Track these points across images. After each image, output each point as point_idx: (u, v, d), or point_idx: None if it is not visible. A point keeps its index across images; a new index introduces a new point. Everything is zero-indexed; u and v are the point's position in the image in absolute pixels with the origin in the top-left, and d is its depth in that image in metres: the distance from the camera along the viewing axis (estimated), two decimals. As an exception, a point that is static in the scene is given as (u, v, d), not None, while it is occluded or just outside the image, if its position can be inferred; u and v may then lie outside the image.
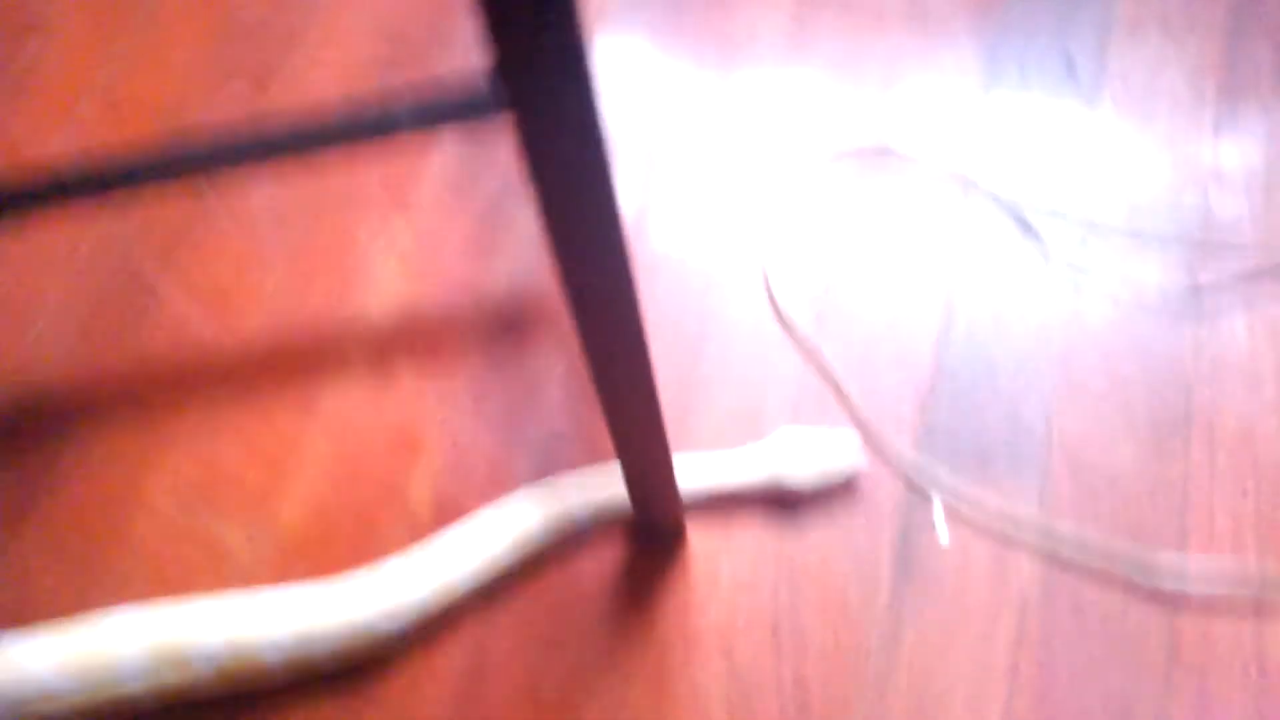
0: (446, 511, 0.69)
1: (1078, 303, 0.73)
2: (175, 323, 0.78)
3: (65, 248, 0.82)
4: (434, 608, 0.63)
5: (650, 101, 0.84)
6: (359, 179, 0.83)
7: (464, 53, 0.88)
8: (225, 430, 0.73)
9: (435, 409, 0.73)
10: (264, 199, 0.83)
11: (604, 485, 0.66)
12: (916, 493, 0.68)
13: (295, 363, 0.76)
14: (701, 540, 0.67)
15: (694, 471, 0.66)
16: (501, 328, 0.76)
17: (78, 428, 0.74)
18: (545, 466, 0.70)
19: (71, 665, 0.58)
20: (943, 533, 0.66)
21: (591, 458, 0.70)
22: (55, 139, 0.87)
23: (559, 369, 0.74)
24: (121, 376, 0.76)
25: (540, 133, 0.33)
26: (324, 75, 0.88)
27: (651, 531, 0.67)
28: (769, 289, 0.75)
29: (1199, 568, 0.64)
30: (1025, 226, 0.76)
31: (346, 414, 0.73)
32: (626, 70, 0.86)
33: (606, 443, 0.69)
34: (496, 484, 0.70)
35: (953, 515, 0.67)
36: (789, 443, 0.67)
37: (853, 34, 0.86)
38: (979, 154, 0.79)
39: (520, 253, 0.78)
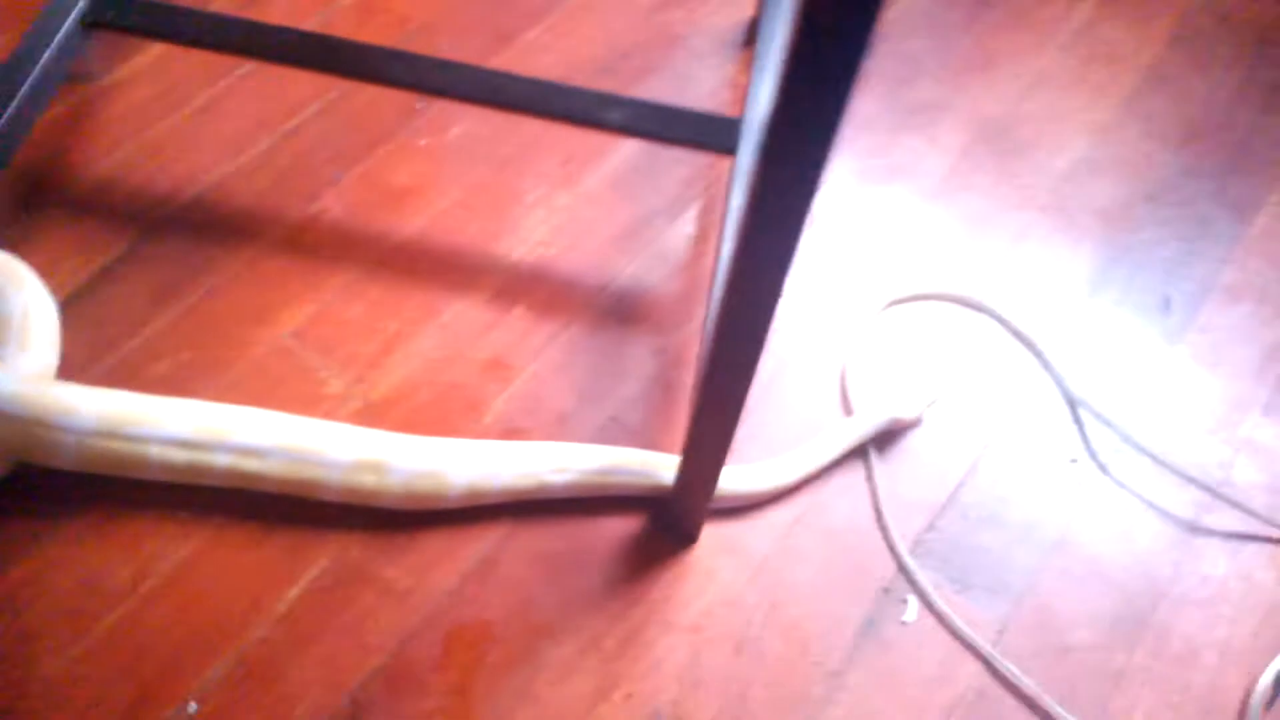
0: (511, 432, 0.79)
1: (1092, 497, 0.82)
2: (354, 202, 0.90)
3: (292, 106, 0.95)
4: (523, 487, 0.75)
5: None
6: (545, 151, 0.95)
7: (670, 84, 1.00)
8: (360, 300, 0.85)
9: (532, 351, 0.84)
10: (462, 134, 0.95)
11: (650, 464, 0.76)
12: (901, 577, 0.77)
13: (436, 271, 0.87)
14: (709, 550, 0.77)
15: (822, 444, 0.80)
16: (611, 314, 0.87)
17: (244, 248, 0.86)
18: (600, 438, 0.80)
19: (204, 428, 0.71)
20: (911, 610, 0.75)
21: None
22: (311, 19, 1.01)
23: (644, 370, 0.84)
24: (295, 225, 0.88)
25: (776, 182, 0.45)
26: (549, 57, 1.01)
27: (671, 527, 0.77)
28: (843, 383, 0.85)
29: (1106, 748, 0.72)
30: (1075, 416, 0.86)
31: (461, 326, 0.84)
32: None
33: (656, 444, 0.80)
34: (559, 430, 0.80)
35: (923, 610, 0.76)
36: (883, 399, 0.83)
37: (996, 200, 0.97)
38: (1061, 341, 0.89)
39: (652, 263, 0.90)
